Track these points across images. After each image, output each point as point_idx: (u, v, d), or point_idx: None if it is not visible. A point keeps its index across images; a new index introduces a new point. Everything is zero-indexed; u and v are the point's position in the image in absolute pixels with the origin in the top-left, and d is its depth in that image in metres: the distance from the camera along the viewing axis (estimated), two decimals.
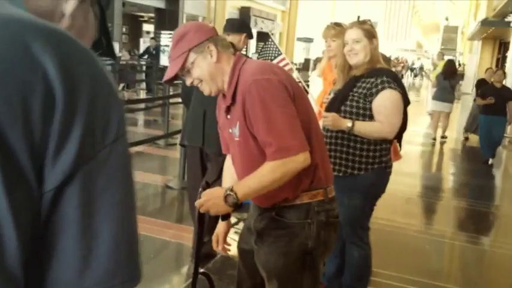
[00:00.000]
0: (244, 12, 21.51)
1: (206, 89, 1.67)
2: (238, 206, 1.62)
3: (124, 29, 16.35)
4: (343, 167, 2.48)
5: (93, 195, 0.54)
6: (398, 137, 2.55)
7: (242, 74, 1.61)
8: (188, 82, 1.66)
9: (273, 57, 2.90)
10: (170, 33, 16.10)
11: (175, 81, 1.70)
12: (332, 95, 2.69)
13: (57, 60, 0.52)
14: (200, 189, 1.70)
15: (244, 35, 3.19)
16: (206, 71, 1.62)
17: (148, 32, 19.02)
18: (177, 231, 3.84)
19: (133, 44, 16.51)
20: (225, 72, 1.65)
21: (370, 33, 2.45)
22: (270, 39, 2.88)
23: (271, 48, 2.89)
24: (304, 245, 1.67)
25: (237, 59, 1.67)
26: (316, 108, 2.90)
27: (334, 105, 2.52)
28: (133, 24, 17.03)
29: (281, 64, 2.87)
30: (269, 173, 1.55)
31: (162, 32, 14.84)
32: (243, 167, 1.72)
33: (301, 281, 1.72)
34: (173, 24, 15.89)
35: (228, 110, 1.69)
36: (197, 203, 1.66)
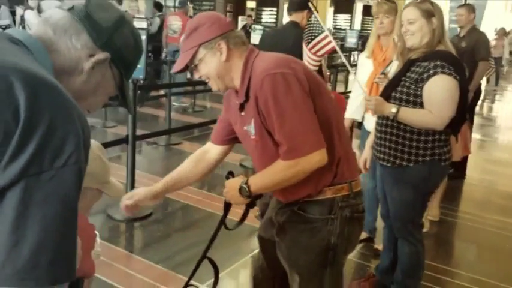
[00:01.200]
0: None
1: (214, 86, 1.62)
2: (256, 197, 1.60)
3: (228, 7, 16.68)
4: (391, 157, 2.31)
5: (29, 204, 0.67)
6: (454, 129, 2.29)
7: (254, 69, 1.54)
8: (196, 76, 1.62)
9: (316, 34, 2.78)
10: (271, 10, 16.17)
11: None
12: (383, 75, 2.51)
13: (28, 98, 0.68)
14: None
15: (306, 11, 3.27)
16: (214, 69, 1.57)
17: (252, 9, 19.23)
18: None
19: (235, 23, 16.80)
20: (236, 68, 1.57)
21: (428, 13, 2.22)
22: (314, 16, 2.75)
23: (315, 25, 2.76)
24: (327, 241, 1.62)
25: (249, 54, 1.58)
26: (363, 92, 2.73)
27: (387, 91, 2.35)
28: (238, 2, 17.29)
29: (323, 42, 2.74)
30: (281, 171, 1.51)
31: (264, 8, 14.86)
32: (264, 165, 1.65)
33: (323, 277, 1.67)
34: (275, 1, 15.86)
35: (241, 106, 1.63)
36: (224, 192, 1.67)
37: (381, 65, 2.91)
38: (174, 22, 7.92)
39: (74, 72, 0.86)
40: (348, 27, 16.53)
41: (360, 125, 3.31)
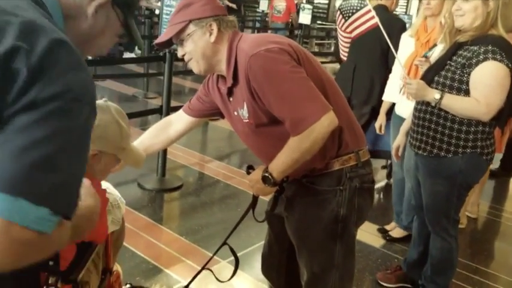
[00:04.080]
0: None
1: (194, 66, 1.57)
2: (283, 182, 1.55)
3: None
4: (428, 146, 2.17)
5: (41, 126, 0.68)
6: (500, 121, 2.12)
7: (239, 51, 1.50)
8: (180, 54, 1.57)
9: (354, 10, 2.59)
10: None
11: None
12: (424, 57, 2.35)
13: (47, 46, 0.71)
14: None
15: None
16: (200, 48, 1.52)
17: None
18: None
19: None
20: (221, 52, 1.54)
21: None
22: None
23: None
24: (336, 212, 1.60)
25: (232, 37, 1.54)
26: (402, 71, 2.56)
27: (429, 74, 2.19)
28: None
29: (364, 18, 2.56)
30: (297, 147, 1.45)
31: None
32: (260, 147, 1.64)
33: (333, 250, 1.65)
34: None
35: (229, 92, 1.59)
36: (250, 187, 1.63)
37: (423, 46, 2.73)
38: (279, 3, 9.21)
39: (80, 18, 0.90)
40: (404, 13, 15.92)
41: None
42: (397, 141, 2.59)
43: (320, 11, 14.01)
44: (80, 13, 0.89)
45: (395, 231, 3.17)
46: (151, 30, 8.06)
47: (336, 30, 3.27)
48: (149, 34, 7.69)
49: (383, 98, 3.17)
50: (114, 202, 1.48)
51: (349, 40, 2.82)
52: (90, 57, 7.89)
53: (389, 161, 4.10)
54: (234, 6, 9.64)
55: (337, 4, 13.71)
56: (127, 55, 8.67)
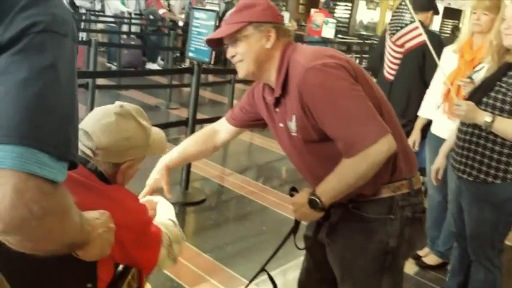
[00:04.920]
0: None
1: (243, 69, 1.49)
2: (331, 207, 1.44)
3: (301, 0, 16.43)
4: (474, 171, 2.05)
5: (35, 61, 0.64)
6: None
7: (292, 63, 1.43)
8: (229, 54, 1.50)
9: (403, 25, 2.49)
10: (346, 5, 15.73)
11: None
12: (469, 79, 2.23)
13: None
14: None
15: (431, 12, 3.35)
16: (254, 51, 1.45)
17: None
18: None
19: (308, 15, 16.47)
20: (274, 60, 1.47)
21: None
22: (403, 2, 2.45)
23: (403, 13, 2.47)
24: (385, 243, 1.48)
25: (286, 47, 1.47)
26: (443, 86, 2.44)
27: (476, 95, 2.07)
28: None
29: (412, 34, 2.45)
30: (351, 171, 1.34)
31: (338, 2, 14.53)
32: (306, 165, 1.54)
33: (379, 283, 1.53)
34: None
35: (277, 102, 1.50)
36: (291, 211, 1.52)
37: (467, 65, 2.60)
38: (318, 18, 9.42)
39: None
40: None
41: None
42: (437, 163, 2.46)
43: (340, 24, 13.94)
44: None
45: (430, 257, 3.02)
46: (174, 42, 8.09)
47: (357, 44, 3.17)
48: (173, 45, 7.70)
49: (419, 114, 3.04)
50: (175, 238, 1.38)
51: (400, 56, 2.72)
52: (117, 68, 7.92)
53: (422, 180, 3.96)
54: None
55: (358, 18, 13.60)
56: (150, 65, 8.70)
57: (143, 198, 1.63)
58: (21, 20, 0.63)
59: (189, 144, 1.81)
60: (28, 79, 0.62)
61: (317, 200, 1.38)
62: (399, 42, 2.61)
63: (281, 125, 1.52)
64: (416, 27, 2.43)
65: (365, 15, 16.57)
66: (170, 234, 1.37)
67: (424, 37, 2.39)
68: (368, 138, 1.30)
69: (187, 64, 8.87)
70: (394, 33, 2.60)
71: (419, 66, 3.22)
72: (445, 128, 2.59)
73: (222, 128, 1.81)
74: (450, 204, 2.46)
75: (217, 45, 1.54)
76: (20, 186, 0.60)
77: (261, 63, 1.47)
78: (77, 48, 0.74)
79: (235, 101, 5.94)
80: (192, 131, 3.66)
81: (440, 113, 2.70)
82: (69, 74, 0.69)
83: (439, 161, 2.45)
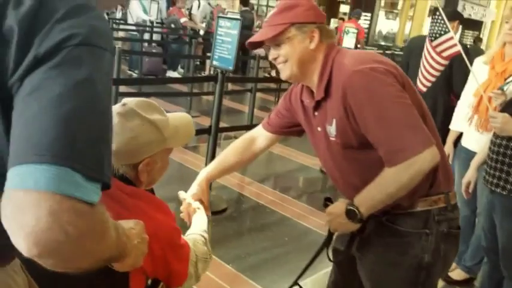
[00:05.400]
0: None
1: (286, 71, 1.45)
2: (366, 220, 1.40)
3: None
4: (508, 184, 1.99)
5: (67, 74, 0.60)
6: None
7: (336, 65, 1.40)
8: (271, 57, 1.47)
9: (438, 35, 2.46)
10: (365, 16, 15.68)
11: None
12: (501, 90, 2.17)
13: None
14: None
15: (457, 21, 3.42)
16: (298, 53, 1.42)
17: (345, 14, 18.82)
18: (321, 220, 3.68)
19: (327, 25, 16.39)
20: (317, 62, 1.44)
21: None
22: (438, 13, 2.42)
23: (438, 23, 2.44)
24: (420, 259, 1.44)
25: (329, 48, 1.44)
26: (471, 99, 2.38)
27: (509, 108, 2.02)
28: (331, 5, 17.01)
29: (446, 44, 2.42)
30: (393, 180, 1.30)
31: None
32: (341, 172, 1.50)
33: None
34: (370, 6, 15.37)
35: (316, 105, 1.47)
36: (325, 222, 1.49)
37: (498, 76, 2.53)
38: (349, 27, 9.56)
39: None
40: None
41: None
42: (468, 176, 2.40)
43: None
44: None
45: (456, 272, 2.94)
46: (195, 50, 8.13)
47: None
48: (193, 54, 7.74)
49: (450, 127, 2.97)
50: (202, 255, 1.35)
51: (441, 68, 2.67)
52: (138, 76, 7.98)
53: None
54: None
55: (377, 28, 13.48)
56: (170, 73, 8.76)
57: (185, 197, 1.58)
58: (58, 32, 0.60)
59: (229, 154, 1.78)
60: (63, 95, 0.59)
61: (355, 210, 1.34)
62: (438, 49, 2.57)
63: (319, 129, 1.50)
64: (451, 38, 2.40)
65: (384, 25, 16.51)
66: (197, 252, 1.34)
67: (458, 47, 2.35)
68: (413, 148, 1.26)
69: (206, 72, 8.94)
70: (434, 39, 2.57)
71: (445, 77, 3.16)
72: (476, 141, 2.53)
73: (260, 135, 1.79)
74: (481, 218, 2.40)
75: (258, 46, 1.51)
76: (55, 208, 0.57)
77: (304, 65, 1.44)
78: (113, 54, 0.70)
79: (255, 110, 5.94)
80: (215, 140, 3.65)
81: (470, 125, 2.64)
82: (106, 90, 0.66)
83: (470, 174, 2.39)
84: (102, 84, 0.64)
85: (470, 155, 2.49)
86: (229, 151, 1.78)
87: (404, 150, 1.27)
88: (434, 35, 2.51)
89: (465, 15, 19.94)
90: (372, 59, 1.37)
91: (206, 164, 3.67)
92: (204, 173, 1.70)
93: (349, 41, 8.72)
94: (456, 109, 2.94)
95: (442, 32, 2.44)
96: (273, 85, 7.97)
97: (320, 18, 1.45)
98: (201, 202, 1.61)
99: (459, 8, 19.28)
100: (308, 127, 1.58)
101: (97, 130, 0.63)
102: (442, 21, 2.41)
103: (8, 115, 0.60)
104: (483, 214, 2.32)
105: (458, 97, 2.94)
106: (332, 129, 1.43)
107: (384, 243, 1.49)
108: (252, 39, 1.49)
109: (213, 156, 3.64)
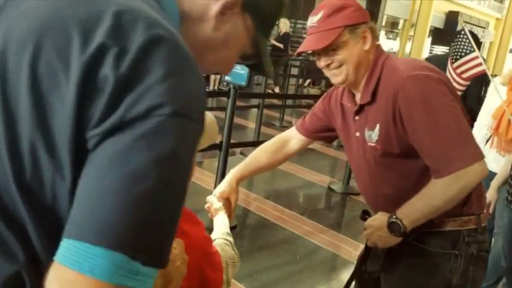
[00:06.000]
0: (452, 17, 19.83)
1: (341, 75, 1.39)
2: (408, 234, 1.36)
3: None
4: None
5: (136, 153, 0.52)
6: None
7: (387, 69, 1.37)
8: (323, 63, 1.40)
9: (463, 54, 2.45)
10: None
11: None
12: None
13: (145, 43, 0.56)
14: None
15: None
16: (355, 56, 1.37)
17: None
18: (331, 237, 3.64)
19: None
20: (367, 64, 1.40)
21: None
22: (463, 32, 2.42)
23: (463, 42, 2.43)
24: (448, 281, 1.40)
25: (379, 52, 1.41)
26: (490, 121, 2.36)
27: None
28: None
29: (472, 63, 2.41)
30: (441, 192, 1.27)
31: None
32: (374, 181, 1.46)
33: None
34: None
35: (360, 109, 1.44)
36: (362, 235, 1.47)
37: None
38: None
39: (201, 19, 0.71)
40: None
41: None
42: (488, 197, 2.37)
43: None
44: (201, 13, 0.71)
45: None
46: None
47: None
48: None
49: None
50: (231, 259, 1.30)
51: (462, 88, 2.67)
52: None
53: None
54: (280, 45, 9.68)
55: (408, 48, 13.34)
56: None
57: (211, 197, 1.52)
58: (151, 97, 0.53)
59: (261, 154, 1.73)
60: (142, 172, 0.52)
61: (399, 222, 1.31)
62: (459, 71, 2.57)
63: (357, 134, 1.46)
64: (477, 57, 2.39)
65: (385, 45, 16.64)
66: (226, 257, 1.30)
67: (484, 67, 2.34)
68: (464, 160, 1.24)
69: (211, 87, 8.92)
70: (456, 60, 2.56)
71: (462, 97, 3.15)
72: (495, 161, 2.51)
73: (293, 137, 1.76)
74: (498, 238, 2.37)
75: (301, 52, 1.47)
76: None
77: (359, 68, 1.39)
78: (202, 129, 0.61)
79: (263, 127, 5.92)
80: (226, 155, 3.62)
81: (489, 147, 2.62)
82: (188, 167, 0.57)
83: (491, 195, 2.37)
84: (186, 161, 0.56)
85: (490, 175, 2.47)
86: (261, 151, 1.74)
87: (455, 161, 1.24)
88: (457, 54, 2.50)
89: None
90: (425, 66, 1.35)
91: (217, 180, 3.63)
92: (234, 172, 1.64)
93: None
94: (473, 131, 2.93)
95: (468, 51, 2.43)
96: (277, 101, 7.98)
97: (368, 18, 1.41)
98: (228, 201, 1.54)
99: (459, 29, 19.55)
100: (344, 132, 1.55)
101: (170, 213, 0.56)
102: (467, 41, 2.41)
103: (79, 168, 0.53)
104: (503, 234, 2.29)
105: (473, 118, 2.93)
106: (374, 135, 1.39)
107: (410, 264, 1.45)
108: (304, 48, 1.43)
109: (223, 171, 3.60)
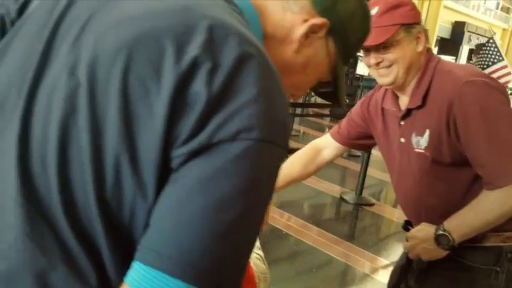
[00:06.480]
0: (458, 27, 19.86)
1: (391, 76, 1.34)
2: (455, 247, 1.31)
3: None
4: None
5: (216, 179, 0.49)
6: None
7: (439, 73, 1.32)
8: (373, 61, 1.34)
9: (490, 63, 2.40)
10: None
11: None
12: None
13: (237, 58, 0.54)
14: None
15: None
16: (408, 57, 1.32)
17: None
18: (345, 249, 3.59)
19: None
20: (418, 66, 1.35)
21: None
22: (491, 40, 2.37)
23: (491, 51, 2.37)
24: None
25: (431, 55, 1.36)
26: None
27: None
28: None
29: (500, 73, 2.36)
30: (495, 206, 1.23)
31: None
32: (417, 190, 1.40)
33: None
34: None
35: (406, 113, 1.38)
36: (404, 246, 1.41)
37: None
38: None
39: (284, 41, 0.69)
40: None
41: None
42: None
43: None
44: (285, 35, 0.69)
45: None
46: None
47: None
48: None
49: None
50: (262, 274, 1.26)
51: None
52: None
53: None
54: None
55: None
56: None
57: None
58: (240, 119, 0.50)
59: (294, 165, 1.66)
60: (230, 199, 0.49)
61: (448, 235, 1.26)
62: None
63: (402, 140, 1.40)
64: (505, 66, 2.35)
65: None
66: (258, 272, 1.26)
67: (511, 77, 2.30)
68: None
69: None
70: (483, 69, 2.52)
71: None
72: None
73: (327, 145, 1.69)
74: None
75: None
76: None
77: (410, 69, 1.34)
78: (286, 155, 0.59)
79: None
80: None
81: None
82: (270, 194, 0.55)
83: None
84: (269, 188, 0.54)
85: None
86: (294, 162, 1.67)
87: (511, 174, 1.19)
88: (485, 63, 2.46)
89: (471, 46, 20.19)
90: (481, 73, 1.31)
91: None
92: None
93: (363, 68, 8.76)
94: None
95: (496, 60, 2.39)
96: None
97: (421, 19, 1.37)
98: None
99: (465, 39, 19.52)
100: (384, 138, 1.49)
101: (250, 244, 0.53)
102: (496, 50, 2.37)
103: (160, 187, 0.51)
104: None
105: None
106: (423, 141, 1.33)
107: (447, 277, 1.40)
108: (369, 41, 1.39)
109: None
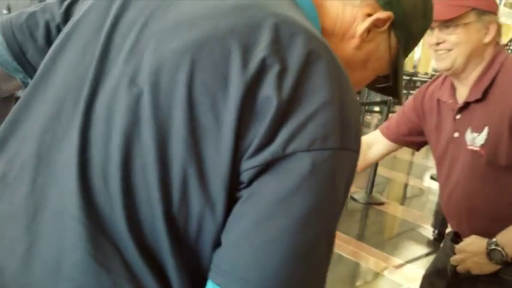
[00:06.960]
0: None
1: (448, 60, 1.27)
2: (509, 262, 1.27)
3: None
4: None
5: (291, 192, 0.47)
6: None
7: (505, 69, 1.26)
8: (434, 40, 1.27)
9: None
10: None
11: None
12: None
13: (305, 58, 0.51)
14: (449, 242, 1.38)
15: None
16: (471, 44, 1.25)
17: None
18: (356, 248, 3.57)
19: None
20: (482, 58, 1.28)
21: None
22: None
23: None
24: None
25: (500, 48, 1.30)
26: None
27: None
28: None
29: None
30: None
31: None
32: (467, 191, 1.33)
33: None
34: None
35: (464, 106, 1.31)
36: (453, 259, 1.36)
37: None
38: None
39: (344, 37, 0.65)
40: None
41: None
42: None
43: None
44: (345, 29, 0.64)
45: None
46: None
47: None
48: None
49: None
50: None
51: None
52: None
53: None
54: None
55: (416, 56, 13.03)
56: None
57: None
58: (314, 128, 0.47)
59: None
60: (307, 221, 0.46)
61: (501, 250, 1.21)
62: None
63: (456, 134, 1.33)
64: None
65: None
66: None
67: None
68: None
69: None
70: None
71: None
72: None
73: (376, 142, 1.61)
74: None
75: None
76: None
77: (471, 58, 1.27)
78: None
79: None
80: None
81: None
82: (343, 203, 0.52)
83: None
84: (345, 195, 0.52)
85: None
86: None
87: None
88: None
89: None
90: None
91: None
92: None
93: None
94: None
95: None
96: None
97: (497, 10, 1.29)
98: None
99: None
100: (437, 132, 1.41)
101: (328, 260, 0.51)
102: None
103: (231, 202, 0.48)
104: None
105: None
106: (480, 138, 1.26)
107: None
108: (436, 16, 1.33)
109: None
